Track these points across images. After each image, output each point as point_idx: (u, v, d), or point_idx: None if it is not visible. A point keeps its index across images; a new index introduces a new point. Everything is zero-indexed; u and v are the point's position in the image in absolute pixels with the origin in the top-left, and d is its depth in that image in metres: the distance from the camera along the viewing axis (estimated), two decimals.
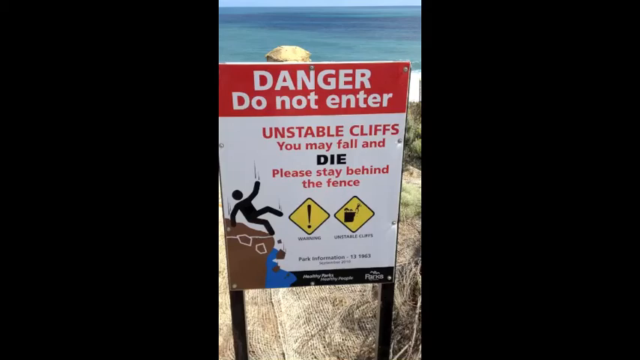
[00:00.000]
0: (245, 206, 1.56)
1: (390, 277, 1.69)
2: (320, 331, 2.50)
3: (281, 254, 1.63)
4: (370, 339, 2.38)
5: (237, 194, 1.54)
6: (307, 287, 2.88)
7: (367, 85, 1.43)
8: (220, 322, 2.60)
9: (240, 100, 1.43)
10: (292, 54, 31.76)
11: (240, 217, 1.57)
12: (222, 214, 1.57)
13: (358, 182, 1.55)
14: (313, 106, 1.44)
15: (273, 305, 2.74)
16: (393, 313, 2.08)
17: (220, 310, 2.73)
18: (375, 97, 1.44)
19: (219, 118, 1.46)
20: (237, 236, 1.60)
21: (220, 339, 2.49)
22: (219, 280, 3.06)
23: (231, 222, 1.57)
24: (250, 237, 1.60)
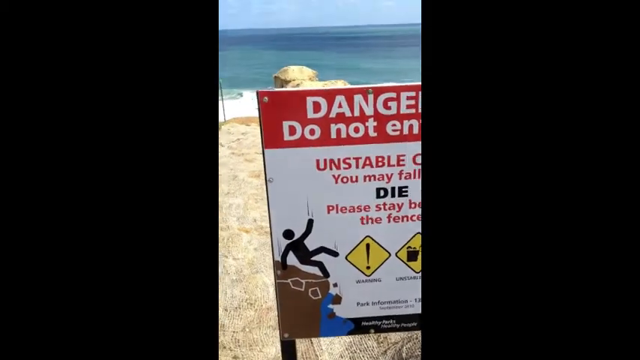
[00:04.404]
0: (297, 247, 1.39)
1: None
2: None
3: (337, 299, 1.46)
4: None
5: (288, 234, 1.38)
6: None
7: None
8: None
9: (292, 130, 1.28)
10: (299, 74, 32.12)
11: (291, 259, 1.41)
12: (273, 256, 1.41)
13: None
14: (372, 133, 1.29)
15: (312, 343, 2.56)
16: None
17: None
18: None
19: (265, 150, 1.31)
20: (289, 280, 1.43)
21: None
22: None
23: (282, 265, 1.41)
24: (303, 281, 1.43)
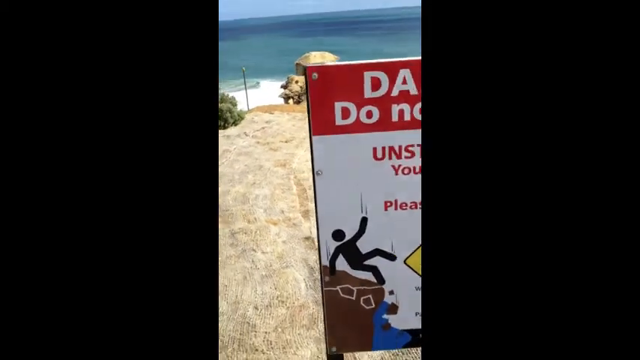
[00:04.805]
0: (348, 249, 1.20)
1: None
2: None
3: (393, 308, 1.26)
4: None
5: (338, 235, 1.19)
6: None
7: None
8: None
9: (346, 113, 1.07)
10: (321, 59, 31.96)
11: (341, 264, 1.21)
12: (319, 261, 1.22)
13: None
14: None
15: None
16: None
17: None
18: None
19: (313, 137, 1.11)
20: (338, 287, 1.24)
21: None
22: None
23: (331, 270, 1.22)
24: (354, 288, 1.24)
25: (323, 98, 1.06)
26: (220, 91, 9.93)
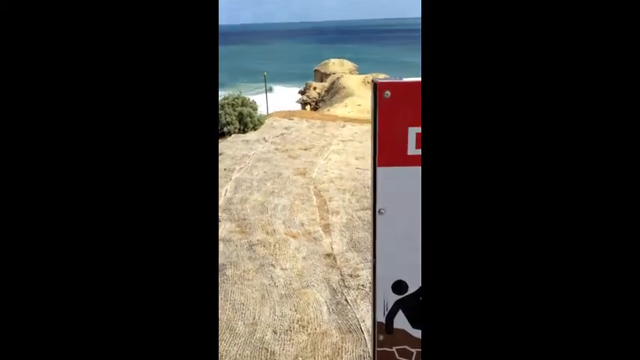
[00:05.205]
0: (410, 305, 0.99)
1: None
2: None
3: None
4: None
5: (399, 286, 0.98)
6: None
7: None
8: None
9: (419, 140, 0.87)
10: (340, 67, 31.92)
11: (400, 321, 1.01)
12: (374, 316, 1.01)
13: None
14: None
15: None
16: None
17: None
18: None
19: (378, 168, 0.91)
20: (394, 348, 1.03)
21: None
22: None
23: (387, 327, 1.01)
24: (413, 350, 1.02)
25: (395, 122, 0.86)
26: (241, 94, 9.81)
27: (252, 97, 10.52)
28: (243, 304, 2.94)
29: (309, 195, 5.03)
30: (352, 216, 4.40)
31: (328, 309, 2.88)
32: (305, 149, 6.94)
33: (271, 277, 3.28)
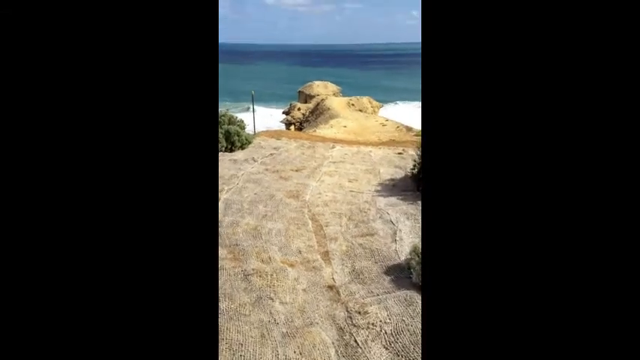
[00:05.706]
0: None
1: None
2: None
3: None
4: None
5: None
6: None
7: None
8: None
9: None
10: (324, 89, 32.18)
11: None
12: None
13: None
14: None
15: None
16: None
17: None
18: None
19: None
20: None
21: None
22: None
23: None
24: None
25: None
26: (227, 112, 9.54)
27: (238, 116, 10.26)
28: (242, 344, 2.61)
29: (304, 219, 4.75)
30: (352, 243, 4.13)
31: (337, 352, 2.58)
32: (296, 170, 6.68)
33: (270, 312, 2.96)
